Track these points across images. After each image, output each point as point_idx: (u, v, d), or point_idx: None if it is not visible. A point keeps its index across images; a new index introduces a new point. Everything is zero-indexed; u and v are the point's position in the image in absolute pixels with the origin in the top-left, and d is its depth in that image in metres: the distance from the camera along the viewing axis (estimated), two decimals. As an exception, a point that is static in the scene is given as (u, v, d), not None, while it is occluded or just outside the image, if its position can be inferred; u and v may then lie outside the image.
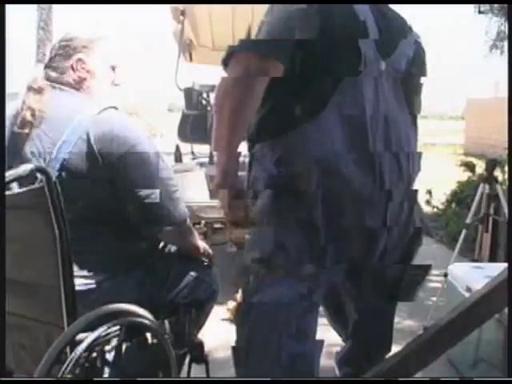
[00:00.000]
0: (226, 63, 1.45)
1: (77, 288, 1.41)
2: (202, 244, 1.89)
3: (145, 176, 1.56)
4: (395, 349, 2.91)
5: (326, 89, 1.46)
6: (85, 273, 1.55)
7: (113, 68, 1.75)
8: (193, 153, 4.78)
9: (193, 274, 1.82)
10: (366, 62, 1.50)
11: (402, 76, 1.60)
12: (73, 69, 1.67)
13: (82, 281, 1.53)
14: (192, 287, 1.81)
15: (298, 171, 1.45)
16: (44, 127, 1.56)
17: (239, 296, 3.07)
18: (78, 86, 1.67)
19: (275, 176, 1.47)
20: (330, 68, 1.46)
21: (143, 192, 1.55)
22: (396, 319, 3.32)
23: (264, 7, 4.77)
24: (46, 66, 1.70)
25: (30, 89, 1.63)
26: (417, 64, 1.67)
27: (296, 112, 1.46)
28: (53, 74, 1.66)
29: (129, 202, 1.57)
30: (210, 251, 1.91)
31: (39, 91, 1.62)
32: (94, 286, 1.56)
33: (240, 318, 1.62)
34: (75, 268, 1.45)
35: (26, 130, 1.55)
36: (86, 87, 1.69)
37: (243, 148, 1.51)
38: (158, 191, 1.56)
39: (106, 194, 1.55)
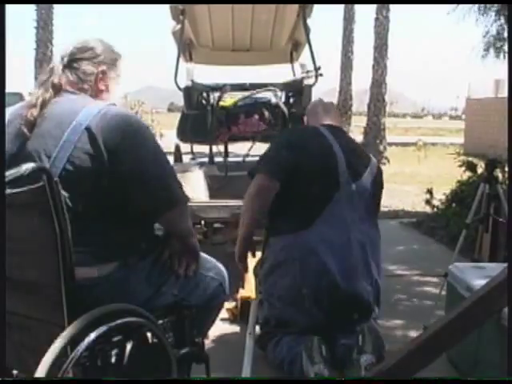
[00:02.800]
0: (251, 176, 2.51)
1: (86, 278, 1.43)
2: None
3: (147, 158, 1.59)
4: (395, 349, 2.92)
5: (315, 207, 2.40)
6: (94, 263, 1.54)
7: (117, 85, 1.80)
8: (193, 153, 4.78)
9: (203, 272, 1.81)
10: (340, 186, 2.42)
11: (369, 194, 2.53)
12: (96, 78, 1.71)
13: (92, 271, 1.53)
14: (204, 286, 1.80)
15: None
16: (48, 126, 1.56)
17: (239, 296, 3.08)
18: (93, 95, 1.70)
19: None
20: (316, 190, 2.41)
21: (148, 174, 1.58)
22: (396, 319, 3.33)
23: (264, 7, 4.77)
24: (68, 66, 1.69)
25: (50, 85, 1.63)
26: (377, 183, 2.62)
27: (294, 221, 2.41)
28: (73, 77, 1.69)
29: (135, 186, 1.58)
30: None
31: (57, 90, 1.63)
32: (104, 276, 1.55)
33: None
34: (85, 259, 1.47)
35: (29, 128, 1.56)
36: (99, 99, 1.71)
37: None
38: (161, 171, 1.61)
39: (113, 182, 1.55)
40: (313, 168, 2.46)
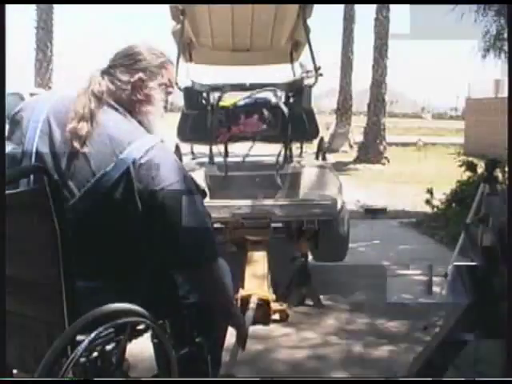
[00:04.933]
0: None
1: (86, 288, 1.42)
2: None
3: (181, 213, 1.50)
4: (395, 348, 2.92)
5: None
6: (95, 273, 1.51)
7: (168, 94, 1.69)
8: (193, 153, 4.79)
9: None
10: None
11: None
12: (133, 87, 1.59)
13: (92, 282, 1.51)
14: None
15: None
16: (92, 147, 1.49)
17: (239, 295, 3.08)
18: (131, 107, 1.60)
19: None
20: None
21: (178, 230, 1.50)
22: (396, 319, 3.33)
23: (264, 7, 4.76)
24: (105, 73, 1.60)
25: (91, 94, 1.53)
26: None
27: None
28: (110, 85, 1.58)
29: (162, 239, 1.53)
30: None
31: (99, 100, 1.54)
32: (103, 285, 1.54)
33: None
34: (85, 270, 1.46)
35: (80, 144, 1.48)
36: (139, 111, 1.61)
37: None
38: (193, 228, 1.52)
39: (137, 226, 1.50)
40: None
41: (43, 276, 1.38)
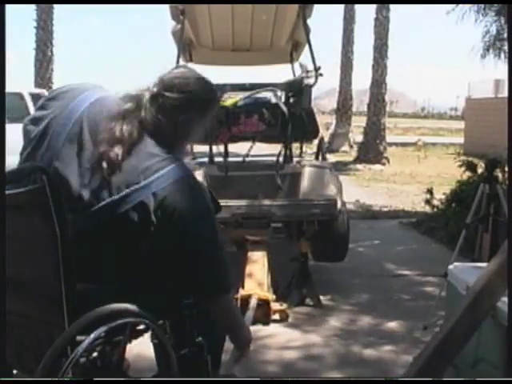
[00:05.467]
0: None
1: (86, 289, 1.42)
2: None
3: (198, 249, 1.52)
4: (395, 348, 2.93)
5: None
6: (95, 277, 1.51)
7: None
8: (193, 153, 4.78)
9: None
10: None
11: None
12: (180, 123, 1.56)
13: (93, 283, 1.51)
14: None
15: None
16: (123, 170, 1.45)
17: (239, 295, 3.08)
18: (171, 139, 1.54)
19: None
20: None
21: (194, 263, 1.52)
22: (396, 319, 3.34)
23: (264, 7, 4.75)
24: (155, 100, 1.53)
25: (137, 121, 1.49)
26: None
27: None
28: (157, 114, 1.53)
29: (178, 265, 1.54)
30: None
31: (143, 128, 1.50)
32: (103, 286, 1.53)
33: None
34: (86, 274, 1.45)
35: (111, 169, 1.44)
36: (177, 144, 1.58)
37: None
38: (209, 264, 1.55)
39: (146, 252, 1.49)
40: None
41: (43, 276, 1.38)
